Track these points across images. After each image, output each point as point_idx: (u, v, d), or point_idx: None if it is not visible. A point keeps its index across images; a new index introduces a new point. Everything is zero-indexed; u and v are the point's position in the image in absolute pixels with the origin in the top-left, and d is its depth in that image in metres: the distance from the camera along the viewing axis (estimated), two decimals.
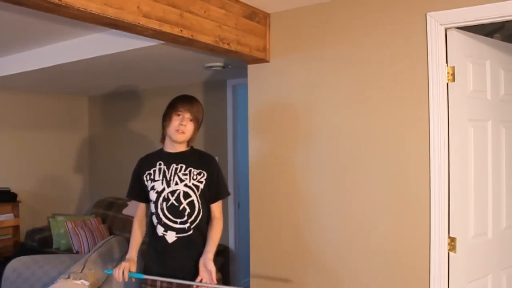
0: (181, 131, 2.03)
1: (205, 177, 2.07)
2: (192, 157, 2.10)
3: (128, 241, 3.26)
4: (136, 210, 2.22)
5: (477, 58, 2.17)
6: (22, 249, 4.46)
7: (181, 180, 2.04)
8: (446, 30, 2.05)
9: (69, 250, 4.41)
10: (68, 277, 2.25)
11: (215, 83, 4.33)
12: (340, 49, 2.37)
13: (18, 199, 4.64)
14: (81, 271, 2.31)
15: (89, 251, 3.35)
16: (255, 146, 2.70)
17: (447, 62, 2.06)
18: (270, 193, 2.61)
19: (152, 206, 2.07)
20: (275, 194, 2.60)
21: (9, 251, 4.48)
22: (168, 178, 2.05)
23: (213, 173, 2.10)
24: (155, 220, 2.06)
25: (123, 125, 5.15)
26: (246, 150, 2.74)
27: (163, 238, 2.03)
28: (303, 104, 2.51)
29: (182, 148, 2.11)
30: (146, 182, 2.09)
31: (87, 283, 2.23)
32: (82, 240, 4.32)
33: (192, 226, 2.03)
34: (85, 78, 4.02)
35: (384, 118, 2.23)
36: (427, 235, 2.09)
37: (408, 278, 2.16)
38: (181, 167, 2.06)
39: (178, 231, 2.02)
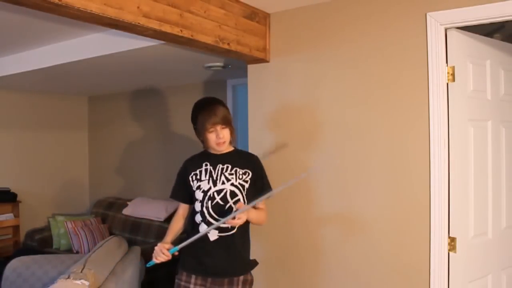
0: (221, 142, 2.04)
1: (250, 176, 2.08)
2: (236, 157, 2.11)
3: (127, 240, 3.26)
4: (177, 210, 2.21)
5: (477, 58, 2.17)
6: (22, 249, 4.46)
7: (228, 180, 2.04)
8: (446, 30, 2.05)
9: (69, 250, 4.41)
10: (68, 277, 2.24)
11: (215, 83, 4.33)
12: (340, 49, 2.38)
13: (18, 199, 4.64)
14: (81, 271, 2.31)
15: (89, 251, 3.35)
16: (256, 146, 2.70)
17: (447, 62, 2.06)
18: None
19: (198, 205, 2.07)
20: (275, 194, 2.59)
21: (9, 251, 4.48)
22: (214, 178, 2.05)
23: (258, 172, 2.12)
24: (199, 218, 2.06)
25: (123, 125, 5.15)
26: (246, 150, 2.74)
27: (205, 235, 2.02)
28: (303, 104, 2.51)
29: (226, 149, 2.12)
30: (191, 183, 2.10)
31: (87, 283, 2.22)
32: (82, 240, 4.32)
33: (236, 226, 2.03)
34: (85, 78, 4.03)
35: (384, 118, 2.23)
36: (427, 235, 2.09)
37: (408, 277, 2.16)
38: (227, 167, 2.07)
39: (221, 230, 2.01)
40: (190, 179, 2.10)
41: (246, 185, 2.06)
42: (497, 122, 2.27)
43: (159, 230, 4.15)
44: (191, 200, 2.13)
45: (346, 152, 2.36)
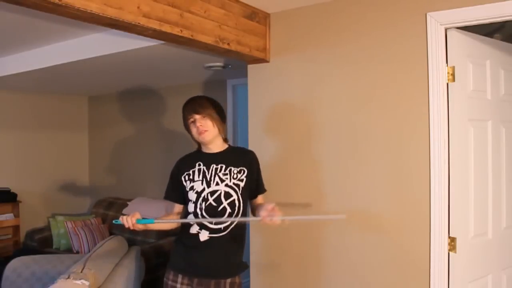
0: (202, 131, 2.01)
1: (245, 174, 2.06)
2: (231, 156, 2.09)
3: (127, 240, 3.26)
4: (172, 208, 2.18)
5: (477, 58, 2.17)
6: (22, 249, 4.46)
7: (222, 181, 2.02)
8: (446, 30, 2.05)
9: (69, 250, 4.41)
10: (68, 277, 2.24)
11: (215, 83, 4.33)
12: (340, 49, 2.37)
13: (18, 199, 4.63)
14: (81, 271, 2.31)
15: (89, 251, 3.35)
16: (256, 146, 2.70)
17: (447, 62, 2.06)
18: (271, 192, 2.61)
19: (191, 206, 2.06)
20: (275, 193, 2.59)
21: (9, 251, 4.48)
22: (208, 179, 2.03)
23: (253, 169, 2.10)
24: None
25: (123, 125, 5.15)
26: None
27: (195, 235, 2.02)
28: (303, 104, 2.51)
29: (219, 147, 2.10)
30: (184, 183, 2.08)
31: (87, 283, 2.22)
32: (82, 240, 4.32)
33: (229, 227, 2.01)
34: (85, 78, 4.02)
35: (384, 118, 2.23)
36: (427, 235, 2.09)
37: (408, 277, 2.16)
38: (221, 167, 2.05)
39: (212, 231, 2.00)
40: (183, 179, 2.09)
41: (242, 184, 2.05)
42: (497, 122, 2.27)
43: (159, 230, 4.15)
44: (185, 200, 2.12)
45: (345, 152, 2.36)
